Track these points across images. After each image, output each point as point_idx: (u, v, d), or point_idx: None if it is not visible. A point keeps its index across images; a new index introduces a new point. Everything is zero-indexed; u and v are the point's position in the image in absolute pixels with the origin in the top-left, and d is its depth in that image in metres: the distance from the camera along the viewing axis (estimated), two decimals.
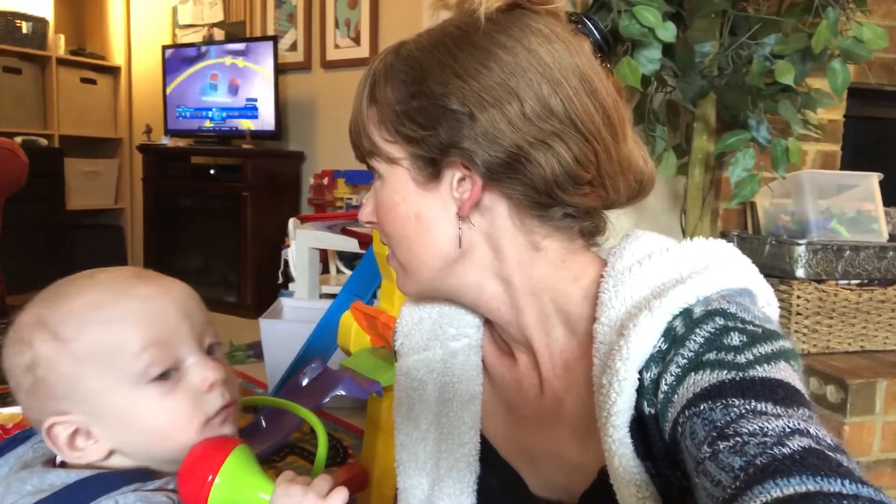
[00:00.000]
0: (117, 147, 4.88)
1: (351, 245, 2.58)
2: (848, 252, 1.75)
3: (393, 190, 0.67)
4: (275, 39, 3.87)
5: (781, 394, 0.51)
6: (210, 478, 0.58)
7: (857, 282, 1.78)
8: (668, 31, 1.55)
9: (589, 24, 0.70)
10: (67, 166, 4.39)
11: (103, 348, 0.59)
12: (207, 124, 4.14)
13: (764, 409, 0.49)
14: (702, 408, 0.52)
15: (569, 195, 0.64)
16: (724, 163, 1.90)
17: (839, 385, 1.62)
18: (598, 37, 0.70)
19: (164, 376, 0.60)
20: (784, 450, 0.45)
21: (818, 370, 1.67)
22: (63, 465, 0.62)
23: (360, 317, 1.69)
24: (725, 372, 0.53)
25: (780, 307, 0.66)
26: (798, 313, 1.75)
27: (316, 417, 1.21)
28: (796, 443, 0.45)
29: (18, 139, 3.78)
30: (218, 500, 0.58)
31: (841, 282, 1.77)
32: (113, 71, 4.81)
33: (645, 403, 0.58)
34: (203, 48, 4.12)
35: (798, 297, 1.74)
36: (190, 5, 4.45)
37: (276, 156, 4.07)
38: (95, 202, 4.74)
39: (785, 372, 0.53)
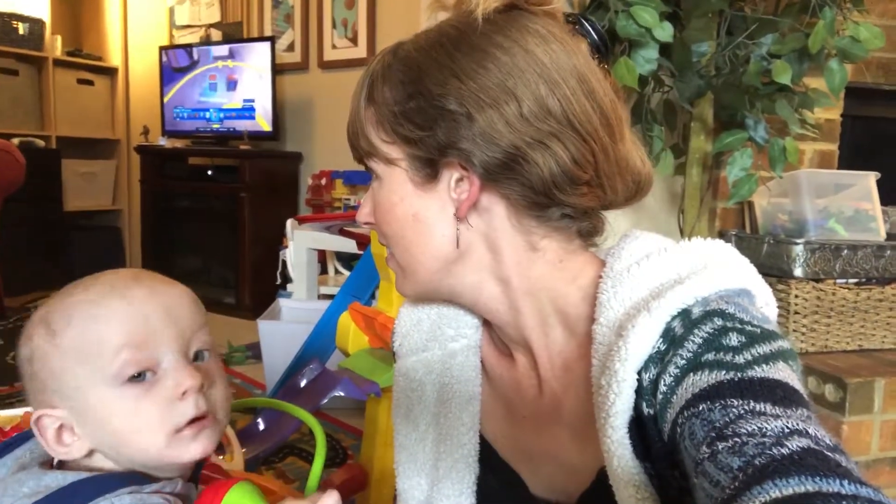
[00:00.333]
0: (114, 148, 4.88)
1: (349, 246, 2.58)
2: (846, 251, 1.76)
3: (391, 190, 0.67)
4: (272, 40, 3.86)
5: (780, 394, 0.51)
6: None
7: (855, 281, 1.79)
8: (665, 31, 1.55)
9: (586, 24, 0.70)
10: (64, 167, 4.39)
11: (85, 345, 0.59)
12: (205, 125, 4.14)
13: (763, 409, 0.49)
14: (700, 408, 0.52)
15: (567, 195, 0.64)
16: (721, 162, 1.90)
17: (837, 384, 1.62)
18: (596, 37, 0.70)
19: (140, 378, 0.59)
20: (783, 450, 0.45)
21: (816, 369, 1.67)
22: (61, 466, 0.62)
23: (359, 318, 1.69)
24: (724, 372, 0.53)
25: (778, 306, 0.66)
26: (796, 312, 1.75)
27: (315, 420, 1.22)
28: (795, 443, 0.45)
29: (15, 140, 3.77)
30: None
31: (839, 281, 1.77)
32: (110, 72, 4.81)
33: (644, 404, 0.58)
34: (200, 49, 4.12)
35: (796, 296, 1.75)
36: (187, 6, 4.45)
37: (273, 156, 4.06)
38: (93, 203, 4.73)
39: (783, 372, 0.53)
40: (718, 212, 2.01)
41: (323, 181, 3.60)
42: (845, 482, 0.41)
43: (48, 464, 0.62)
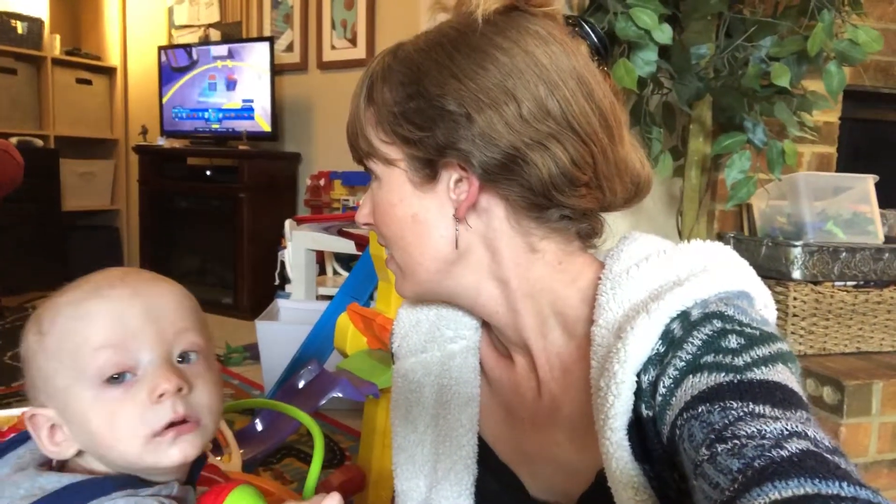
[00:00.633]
0: (113, 148, 4.88)
1: (347, 246, 2.58)
2: (844, 254, 1.76)
3: (390, 191, 0.67)
4: (271, 40, 3.86)
5: (779, 396, 0.51)
6: None
7: (853, 283, 1.79)
8: (664, 34, 1.55)
9: (586, 26, 0.70)
10: (63, 167, 4.39)
11: (66, 345, 0.58)
12: (203, 125, 4.13)
13: (762, 411, 0.49)
14: (700, 410, 0.52)
15: (566, 197, 0.64)
16: (720, 165, 1.91)
17: (836, 386, 1.62)
18: (595, 40, 0.70)
19: (119, 380, 0.58)
20: (782, 452, 0.45)
21: (815, 371, 1.67)
22: (61, 468, 0.62)
23: (357, 319, 1.69)
24: (723, 374, 0.53)
25: (777, 309, 0.66)
26: (794, 315, 1.75)
27: (313, 421, 1.21)
28: (794, 445, 0.45)
29: (14, 140, 3.77)
30: None
31: (837, 283, 1.77)
32: (109, 71, 4.80)
33: (643, 406, 0.58)
34: (199, 49, 4.12)
35: (794, 298, 1.75)
36: (186, 6, 4.44)
37: (272, 157, 4.06)
38: (91, 203, 4.73)
39: (783, 374, 0.53)
40: (717, 214, 2.01)
41: (322, 182, 3.60)
42: (844, 484, 0.41)
43: (46, 465, 0.62)
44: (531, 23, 0.65)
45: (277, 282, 3.25)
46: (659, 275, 0.62)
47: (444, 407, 0.77)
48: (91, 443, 0.59)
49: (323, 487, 1.47)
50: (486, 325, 0.78)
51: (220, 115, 4.06)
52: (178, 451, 0.58)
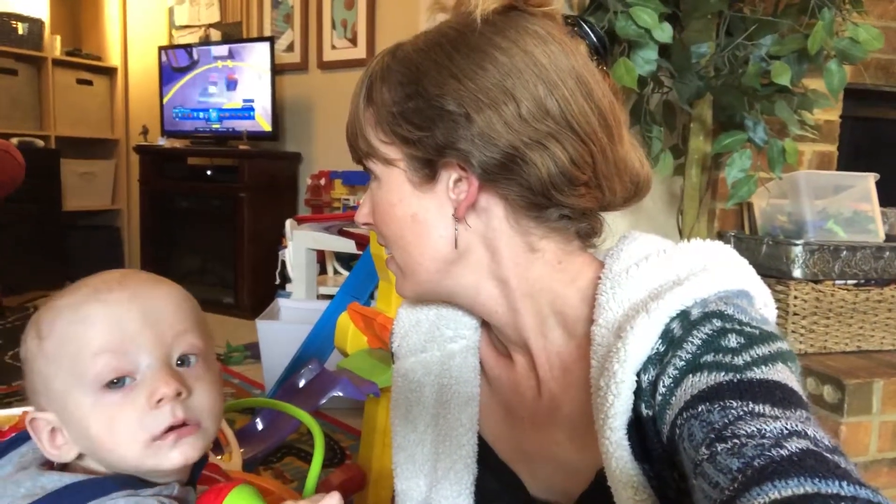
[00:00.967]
0: (114, 148, 4.88)
1: (348, 246, 2.58)
2: (844, 252, 1.76)
3: (389, 191, 0.67)
4: (271, 40, 3.86)
5: (779, 395, 0.51)
6: None
7: (854, 282, 1.79)
8: (664, 32, 1.55)
9: (585, 26, 0.70)
10: (64, 167, 4.39)
11: (65, 350, 0.58)
12: (204, 125, 4.14)
13: (762, 410, 0.49)
14: (700, 410, 0.52)
15: (565, 196, 0.64)
16: (720, 163, 1.90)
17: (836, 385, 1.62)
18: (594, 39, 0.70)
19: (118, 384, 0.57)
20: (782, 451, 0.45)
21: (815, 370, 1.67)
22: (63, 467, 0.62)
23: (358, 318, 1.69)
24: (723, 374, 0.53)
25: (777, 307, 0.66)
26: (795, 313, 1.75)
27: (313, 420, 1.21)
28: (794, 444, 0.45)
29: (15, 140, 3.77)
30: None
31: (838, 282, 1.77)
32: (109, 72, 4.81)
33: (643, 405, 0.58)
34: (199, 49, 4.12)
35: (795, 297, 1.75)
36: (186, 6, 4.44)
37: (272, 157, 4.06)
38: (92, 203, 4.73)
39: (783, 373, 0.53)
40: (717, 213, 2.01)
41: (322, 181, 3.60)
42: (844, 483, 0.41)
43: (48, 464, 0.62)
44: (530, 22, 0.65)
45: (278, 281, 3.25)
46: (659, 274, 0.62)
47: (444, 406, 0.77)
48: (91, 447, 0.59)
49: (323, 486, 1.48)
50: (485, 325, 0.78)
51: (221, 115, 4.06)
52: (178, 455, 0.58)
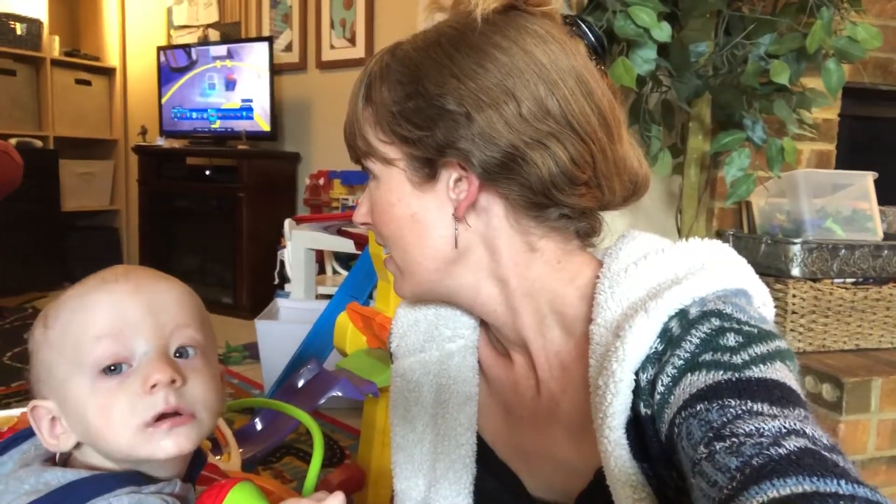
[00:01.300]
0: (112, 148, 4.87)
1: (347, 246, 2.58)
2: (843, 251, 1.76)
3: (388, 191, 0.67)
4: (270, 40, 3.86)
5: (778, 394, 0.51)
6: None
7: (853, 280, 1.79)
8: (663, 32, 1.55)
9: (583, 26, 0.70)
10: (62, 168, 4.39)
11: (68, 336, 0.59)
12: (203, 125, 4.13)
13: (760, 409, 0.49)
14: (698, 408, 0.52)
15: (565, 196, 0.64)
16: (719, 162, 1.90)
17: (835, 383, 1.62)
18: (593, 38, 0.70)
19: (116, 371, 0.59)
20: (780, 450, 0.45)
21: (814, 369, 1.67)
22: (65, 463, 0.62)
23: (357, 318, 1.69)
24: (722, 372, 0.53)
25: (776, 306, 0.67)
26: (793, 312, 1.75)
27: (312, 420, 1.21)
28: (792, 443, 0.45)
29: (13, 140, 3.77)
30: None
31: (836, 280, 1.78)
32: (108, 72, 4.80)
33: (641, 404, 0.58)
34: (198, 49, 4.12)
35: (793, 295, 1.75)
36: (185, 6, 4.44)
37: (271, 156, 4.06)
38: (90, 203, 4.73)
39: (781, 372, 0.53)
40: (716, 212, 2.01)
41: (321, 181, 3.60)
42: (843, 482, 0.41)
43: (51, 460, 0.63)
44: (530, 22, 0.65)
45: (277, 281, 3.25)
46: (657, 273, 0.62)
47: (443, 406, 0.77)
48: (87, 433, 0.60)
49: (322, 486, 1.47)
50: (484, 325, 0.78)
51: (220, 115, 4.06)
52: (172, 444, 0.58)
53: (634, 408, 0.58)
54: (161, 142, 4.26)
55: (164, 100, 4.24)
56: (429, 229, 0.67)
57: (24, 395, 2.45)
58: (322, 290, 3.00)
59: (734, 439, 0.47)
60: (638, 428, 0.59)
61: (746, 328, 0.56)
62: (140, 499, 0.57)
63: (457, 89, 0.62)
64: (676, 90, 1.74)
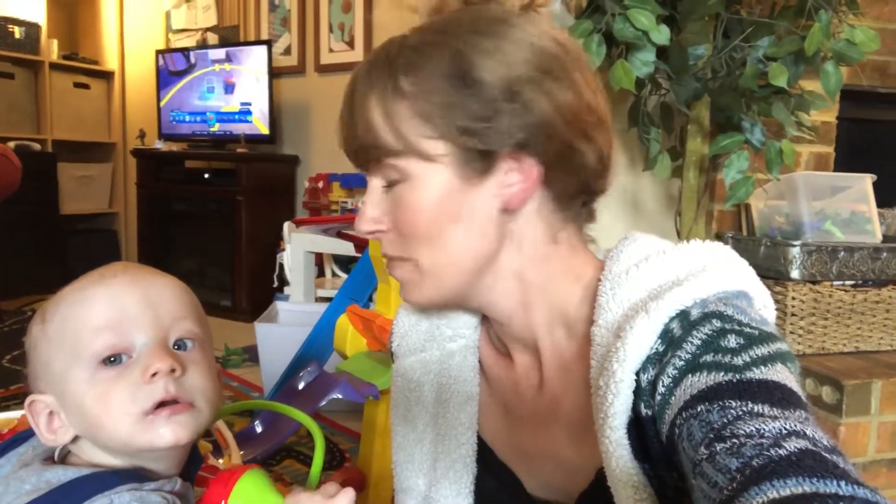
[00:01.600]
0: (111, 151, 4.87)
1: (346, 248, 2.58)
2: (842, 253, 1.76)
3: (427, 189, 0.63)
4: (269, 43, 3.86)
5: (778, 396, 0.51)
6: (222, 502, 0.58)
7: (852, 283, 1.79)
8: (661, 34, 1.55)
9: None
10: (61, 171, 4.38)
11: (67, 329, 0.60)
12: (201, 128, 4.13)
13: (761, 410, 0.50)
14: (699, 409, 0.52)
15: (597, 184, 0.67)
16: (718, 165, 1.91)
17: (835, 386, 1.62)
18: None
19: (115, 362, 0.59)
20: (781, 451, 0.45)
21: (814, 371, 1.67)
22: (63, 461, 0.62)
23: (357, 320, 1.69)
24: (722, 374, 0.53)
25: (775, 308, 0.67)
26: (793, 314, 1.76)
27: (313, 421, 1.21)
28: (793, 444, 0.45)
29: (12, 144, 3.77)
30: None
31: (835, 283, 1.78)
32: (106, 75, 4.80)
33: (642, 405, 0.58)
34: (197, 53, 4.12)
35: (793, 298, 1.75)
36: (183, 10, 4.44)
37: (270, 160, 4.06)
38: (89, 207, 4.72)
39: (782, 374, 0.53)
40: (715, 214, 2.02)
41: (320, 184, 3.60)
42: (843, 483, 0.41)
43: (50, 459, 0.63)
44: (541, 18, 0.66)
45: (276, 284, 3.25)
46: (658, 275, 0.63)
47: (444, 406, 0.77)
48: (85, 425, 0.60)
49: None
50: (485, 324, 0.78)
51: (218, 119, 4.06)
52: (170, 432, 0.59)
53: (635, 408, 0.58)
54: (159, 145, 4.26)
55: (162, 103, 4.24)
56: (470, 226, 0.64)
57: (23, 398, 2.45)
58: (321, 292, 3.00)
59: (735, 440, 0.48)
60: (639, 428, 0.59)
61: (747, 330, 0.56)
62: (141, 495, 0.57)
63: (516, 79, 0.61)
64: (675, 93, 1.75)
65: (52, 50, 4.44)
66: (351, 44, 3.74)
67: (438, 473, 0.77)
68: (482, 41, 0.62)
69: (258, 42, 3.95)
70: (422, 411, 0.79)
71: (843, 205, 1.86)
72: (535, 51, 0.62)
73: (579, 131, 0.63)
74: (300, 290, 2.88)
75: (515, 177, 0.64)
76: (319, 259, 3.25)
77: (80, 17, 4.88)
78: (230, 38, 4.22)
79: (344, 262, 3.27)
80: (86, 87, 4.67)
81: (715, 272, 0.60)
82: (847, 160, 2.15)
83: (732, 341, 0.55)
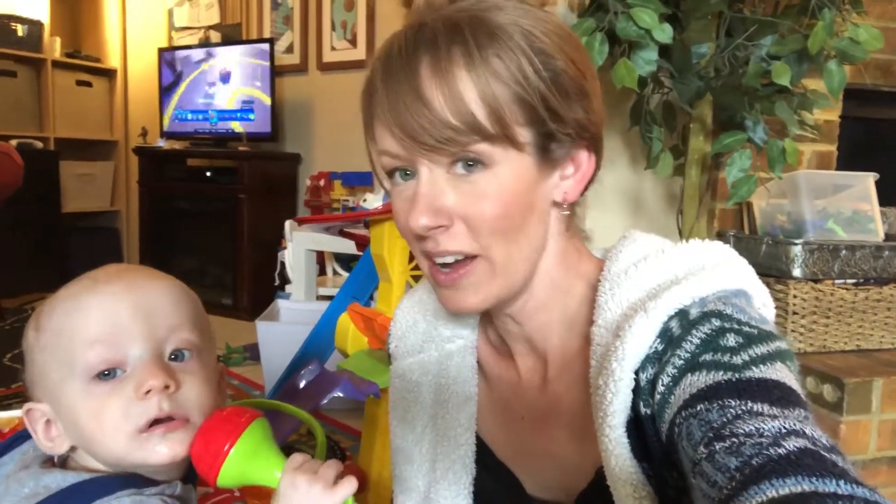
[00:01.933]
0: (113, 149, 4.88)
1: (348, 247, 2.58)
2: (844, 252, 1.76)
3: (509, 178, 0.60)
4: (271, 42, 3.86)
5: (777, 394, 0.51)
6: (226, 447, 0.56)
7: (854, 281, 1.79)
8: (664, 33, 1.55)
9: None
10: (63, 169, 4.39)
11: (60, 340, 0.59)
12: (203, 126, 4.14)
13: (760, 409, 0.49)
14: (698, 408, 0.52)
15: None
16: (720, 163, 1.90)
17: (836, 384, 1.62)
18: None
19: (109, 376, 0.58)
20: (780, 450, 0.45)
21: (815, 369, 1.67)
22: (63, 465, 0.62)
23: (358, 318, 1.69)
24: (722, 373, 0.53)
25: (777, 307, 0.66)
26: (794, 313, 1.75)
27: (313, 419, 1.21)
28: (792, 443, 0.45)
29: (14, 142, 3.77)
30: (231, 470, 0.57)
31: (837, 281, 1.77)
32: (109, 73, 4.81)
33: (641, 404, 0.58)
34: (199, 51, 4.12)
35: (794, 296, 1.75)
36: (186, 8, 4.44)
37: (272, 158, 4.06)
38: (91, 205, 4.73)
39: (781, 373, 0.53)
40: (717, 212, 2.01)
41: (321, 182, 3.60)
42: (842, 482, 0.41)
43: (50, 462, 0.62)
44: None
45: (277, 282, 3.25)
46: (657, 274, 0.62)
47: (442, 406, 0.77)
48: (81, 438, 0.60)
49: None
50: (483, 324, 0.78)
51: (220, 117, 4.06)
52: (166, 449, 0.58)
53: (635, 407, 0.58)
54: (161, 143, 4.26)
55: (164, 101, 4.24)
56: (540, 219, 0.63)
57: (24, 397, 2.45)
58: (322, 291, 3.00)
59: (734, 439, 0.47)
60: (638, 427, 0.59)
61: (746, 329, 0.56)
62: (142, 500, 0.57)
63: (586, 68, 0.62)
64: (678, 91, 1.74)
65: (54, 48, 4.44)
66: (353, 42, 3.74)
67: (437, 474, 0.77)
68: (563, 32, 0.62)
69: (260, 40, 3.96)
70: (420, 412, 0.79)
71: (846, 203, 1.86)
72: (584, 51, 0.64)
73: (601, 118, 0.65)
74: (301, 289, 2.88)
75: (571, 168, 0.64)
76: (321, 257, 3.25)
77: (82, 14, 4.88)
78: (232, 36, 4.22)
79: (345, 261, 3.27)
80: (88, 84, 4.68)
81: (714, 271, 0.60)
82: (850, 159, 2.15)
83: (731, 340, 0.55)
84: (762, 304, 0.64)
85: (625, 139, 1.94)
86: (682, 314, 0.58)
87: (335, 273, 3.30)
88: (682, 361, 0.56)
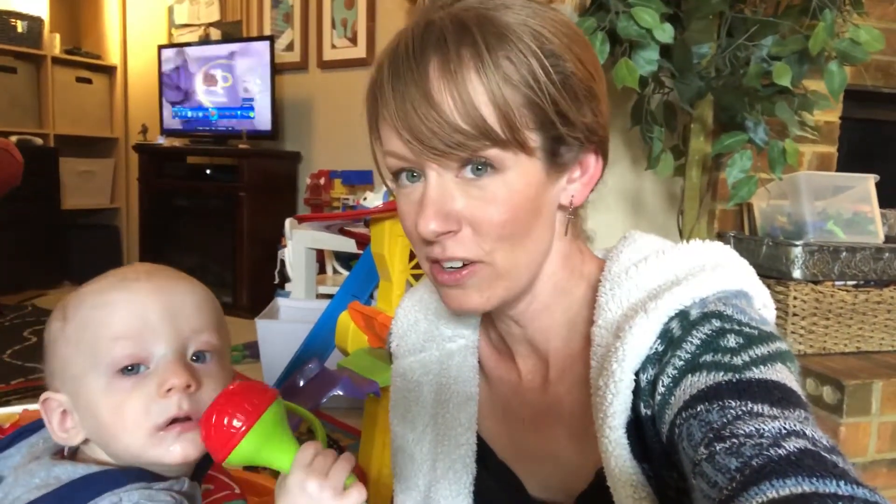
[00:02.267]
0: (113, 147, 4.87)
1: (348, 245, 2.58)
2: (844, 253, 1.76)
3: (518, 183, 0.59)
4: (271, 39, 3.86)
5: (778, 395, 0.51)
6: (243, 427, 0.55)
7: (854, 283, 1.79)
8: (665, 33, 1.55)
9: None
10: (63, 166, 4.39)
11: (86, 333, 0.60)
12: (203, 124, 4.13)
13: (760, 410, 0.49)
14: (698, 409, 0.52)
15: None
16: (721, 164, 1.90)
17: (835, 386, 1.62)
18: None
19: (132, 371, 0.59)
20: (780, 451, 0.45)
21: (814, 371, 1.67)
22: (73, 457, 0.62)
23: (358, 317, 1.69)
24: (722, 374, 0.53)
25: (777, 308, 0.66)
26: (794, 314, 1.75)
27: (313, 416, 1.21)
28: (792, 444, 0.45)
29: (13, 138, 3.77)
30: (244, 451, 0.56)
31: (837, 283, 1.77)
32: (109, 70, 4.80)
33: (642, 405, 0.58)
34: (199, 48, 4.11)
35: (794, 298, 1.75)
36: (186, 5, 4.44)
37: (272, 156, 4.06)
38: (91, 202, 4.73)
39: (781, 374, 0.53)
40: (717, 213, 2.01)
41: (321, 181, 3.59)
42: (842, 483, 0.41)
43: (59, 454, 0.63)
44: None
45: (277, 280, 3.25)
46: (657, 275, 0.62)
47: (443, 406, 0.77)
48: (98, 432, 0.60)
49: None
50: (484, 325, 0.78)
51: (220, 114, 4.06)
52: (179, 449, 0.59)
53: (635, 408, 0.58)
54: (161, 140, 4.26)
55: (165, 99, 4.24)
56: (546, 224, 0.63)
57: (23, 393, 2.45)
58: (322, 289, 3.00)
59: (734, 440, 0.47)
60: (639, 428, 0.59)
61: (747, 329, 0.56)
62: (150, 494, 0.57)
63: (595, 70, 0.62)
64: (679, 91, 1.74)
65: (54, 44, 4.44)
66: (353, 40, 3.74)
67: (438, 474, 0.77)
68: (573, 36, 0.62)
69: (261, 38, 3.95)
70: (421, 412, 0.79)
71: (846, 205, 1.86)
72: (592, 51, 0.64)
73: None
74: (301, 287, 2.88)
75: (578, 172, 0.64)
76: (321, 256, 3.25)
77: (82, 11, 4.88)
78: (233, 33, 4.21)
79: (345, 259, 3.27)
80: (88, 81, 4.67)
81: (714, 272, 0.60)
82: (850, 160, 2.15)
83: (732, 341, 0.55)
84: (763, 305, 0.64)
85: (625, 139, 1.94)
86: (682, 315, 0.58)
87: (335, 271, 3.30)
88: (682, 362, 0.56)
